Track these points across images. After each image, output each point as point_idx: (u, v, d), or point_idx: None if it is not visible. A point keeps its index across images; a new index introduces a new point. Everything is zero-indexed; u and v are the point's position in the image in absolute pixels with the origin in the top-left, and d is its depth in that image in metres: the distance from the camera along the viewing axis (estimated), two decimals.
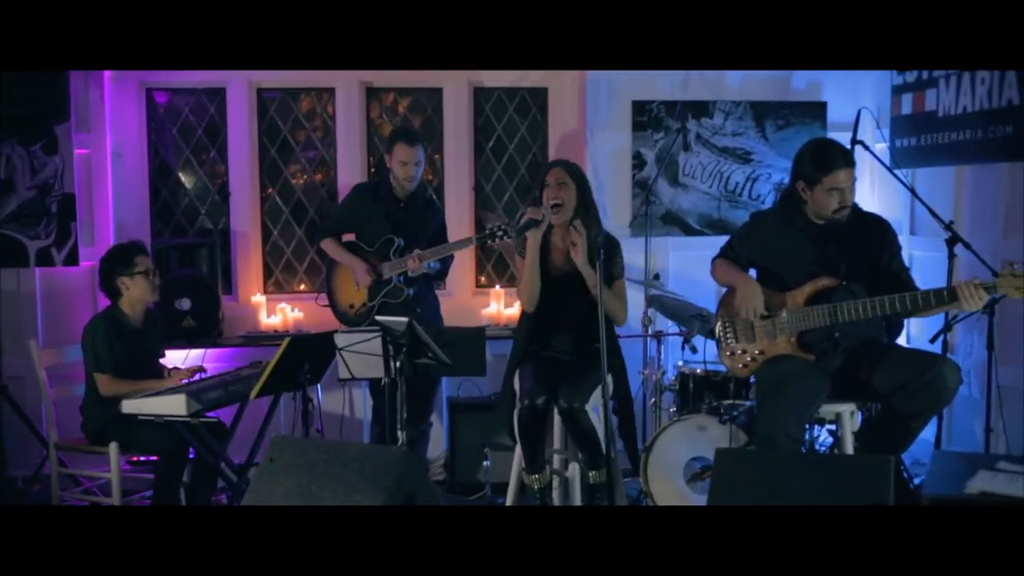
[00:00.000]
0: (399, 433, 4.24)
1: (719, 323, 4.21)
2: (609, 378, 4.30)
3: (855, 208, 4.06)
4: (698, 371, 4.95)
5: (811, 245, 4.01)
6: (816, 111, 6.02)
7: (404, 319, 4.10)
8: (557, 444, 4.27)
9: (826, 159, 3.95)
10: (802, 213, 4.05)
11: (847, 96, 5.92)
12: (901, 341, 5.29)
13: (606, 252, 4.04)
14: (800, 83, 6.06)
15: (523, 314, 4.42)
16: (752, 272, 4.19)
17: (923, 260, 5.51)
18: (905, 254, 5.55)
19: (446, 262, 5.31)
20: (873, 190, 5.99)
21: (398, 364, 4.16)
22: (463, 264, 6.19)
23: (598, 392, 4.13)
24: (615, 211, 5.93)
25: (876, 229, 4.09)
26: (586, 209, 4.30)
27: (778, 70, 5.89)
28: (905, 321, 5.16)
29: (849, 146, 4.88)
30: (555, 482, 4.26)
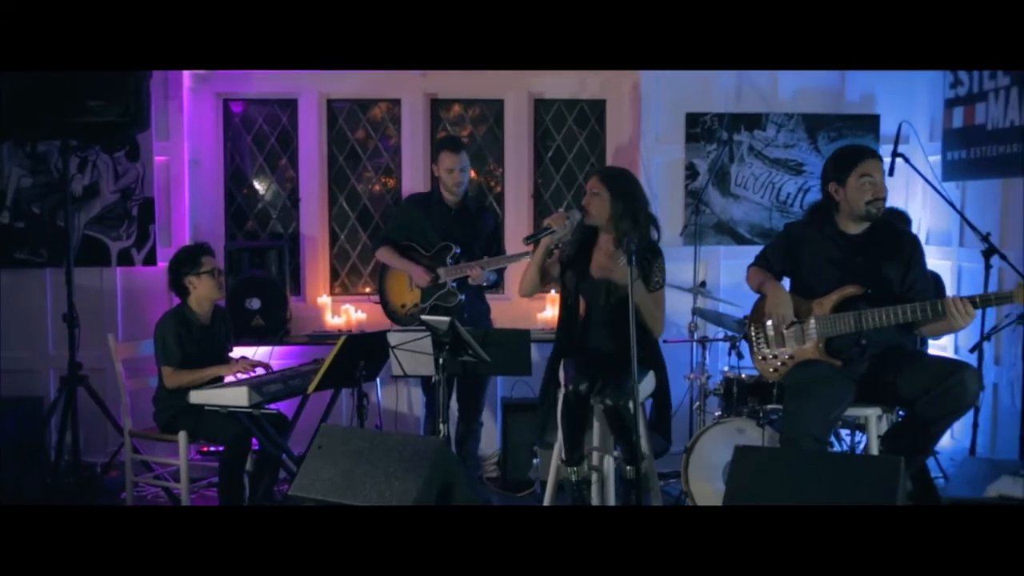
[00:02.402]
0: (440, 426, 4.45)
1: (751, 328, 4.36)
2: (651, 375, 4.47)
3: (886, 222, 4.19)
4: (743, 376, 5.08)
5: (841, 254, 4.15)
6: (869, 124, 6.10)
7: (447, 319, 4.32)
8: (596, 441, 4.43)
9: (852, 153, 4.18)
10: (832, 224, 4.19)
11: (900, 109, 5.99)
12: (949, 350, 5.40)
13: (642, 259, 4.22)
14: (853, 96, 6.15)
15: (561, 313, 4.62)
16: (785, 280, 4.34)
17: (971, 272, 5.57)
18: (954, 266, 5.68)
19: (499, 272, 5.52)
20: (925, 202, 6.06)
21: (441, 361, 4.38)
22: (521, 268, 6.40)
23: (643, 388, 4.31)
24: (668, 220, 6.06)
25: (903, 243, 4.20)
26: (622, 215, 4.40)
27: (828, 70, 5.97)
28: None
29: (890, 159, 5.01)
30: (593, 478, 4.42)
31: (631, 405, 4.07)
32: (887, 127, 6.05)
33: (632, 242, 4.08)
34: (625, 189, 4.45)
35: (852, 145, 4.34)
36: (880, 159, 4.17)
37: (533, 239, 4.47)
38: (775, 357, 4.26)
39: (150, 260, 6.01)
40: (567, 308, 4.58)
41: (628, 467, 4.26)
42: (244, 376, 4.98)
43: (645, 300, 4.36)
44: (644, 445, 4.33)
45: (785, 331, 4.20)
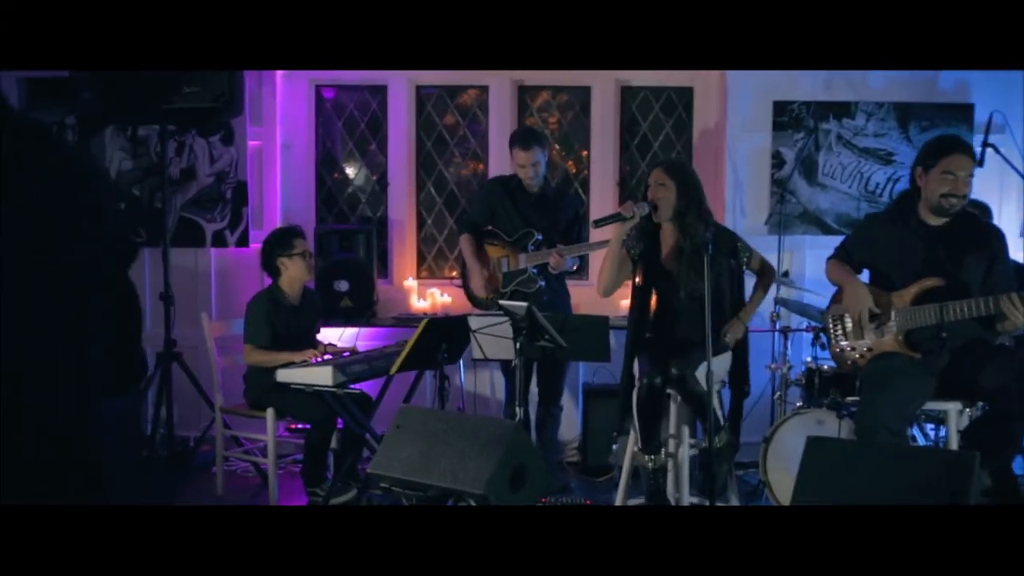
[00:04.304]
0: (516, 409, 4.52)
1: (830, 320, 4.33)
2: (728, 355, 4.47)
3: (970, 213, 4.13)
4: (825, 367, 5.05)
5: (922, 246, 4.10)
6: (963, 113, 5.97)
7: (524, 304, 4.38)
8: (672, 429, 4.46)
9: (947, 144, 4.12)
10: (915, 214, 4.14)
11: (996, 98, 5.84)
12: None
13: (718, 248, 4.23)
14: (947, 84, 6.03)
15: (632, 305, 4.64)
16: (865, 272, 4.30)
17: None
18: None
19: (582, 258, 5.55)
20: (1021, 193, 5.92)
21: (518, 346, 4.44)
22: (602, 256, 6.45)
23: (717, 365, 4.31)
24: (753, 209, 6.06)
25: (987, 236, 4.14)
26: (687, 208, 4.43)
27: (921, 70, 5.86)
28: None
29: (980, 148, 4.92)
30: (669, 465, 4.45)
31: (697, 375, 4.12)
32: (981, 116, 5.91)
33: (709, 230, 4.09)
34: (689, 180, 4.49)
35: (950, 136, 4.26)
36: (972, 157, 4.09)
37: (602, 223, 4.49)
38: (853, 349, 4.23)
39: (243, 242, 6.20)
40: (638, 301, 4.61)
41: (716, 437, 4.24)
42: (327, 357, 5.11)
43: (758, 298, 4.58)
44: (720, 417, 4.37)
45: (864, 323, 4.16)
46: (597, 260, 6.27)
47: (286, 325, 5.24)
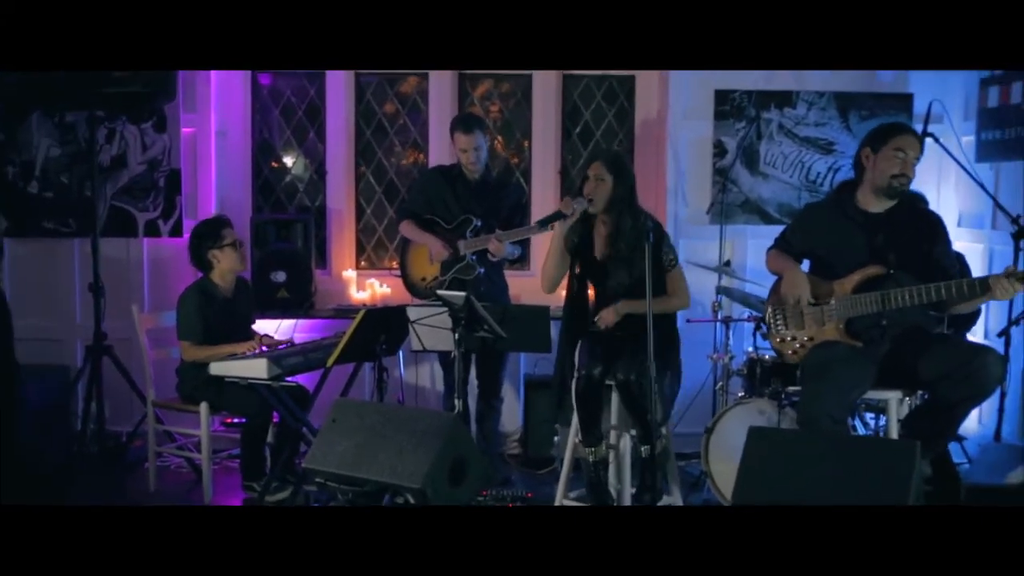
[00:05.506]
0: (456, 401, 4.45)
1: (769, 309, 4.31)
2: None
3: (910, 201, 4.12)
4: (766, 357, 5.03)
5: (861, 234, 4.09)
6: (902, 103, 5.99)
7: (462, 293, 4.31)
8: (614, 420, 4.41)
9: (895, 126, 4.17)
10: (854, 202, 4.13)
11: (934, 88, 5.84)
12: (978, 335, 5.32)
13: (658, 240, 4.21)
14: (887, 75, 6.04)
15: (568, 296, 4.59)
16: (806, 262, 4.29)
17: (1003, 255, 5.46)
18: (986, 249, 5.58)
19: (525, 247, 5.49)
20: (958, 184, 5.94)
21: (456, 336, 4.36)
22: (547, 246, 6.37)
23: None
24: (694, 199, 6.03)
25: (926, 221, 4.15)
26: (621, 200, 4.38)
27: (862, 70, 5.86)
28: (982, 318, 5.20)
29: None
30: (610, 456, 4.40)
31: (642, 382, 4.05)
32: (921, 106, 5.92)
33: (649, 219, 4.06)
34: (625, 172, 4.44)
35: (898, 122, 4.34)
36: (921, 141, 4.12)
37: (545, 222, 4.43)
38: (794, 339, 4.21)
39: (176, 231, 6.03)
40: (573, 292, 4.57)
41: (643, 447, 4.23)
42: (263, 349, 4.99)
43: (662, 302, 4.35)
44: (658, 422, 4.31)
45: (805, 312, 4.14)
46: (539, 250, 6.22)
47: (219, 318, 5.10)
